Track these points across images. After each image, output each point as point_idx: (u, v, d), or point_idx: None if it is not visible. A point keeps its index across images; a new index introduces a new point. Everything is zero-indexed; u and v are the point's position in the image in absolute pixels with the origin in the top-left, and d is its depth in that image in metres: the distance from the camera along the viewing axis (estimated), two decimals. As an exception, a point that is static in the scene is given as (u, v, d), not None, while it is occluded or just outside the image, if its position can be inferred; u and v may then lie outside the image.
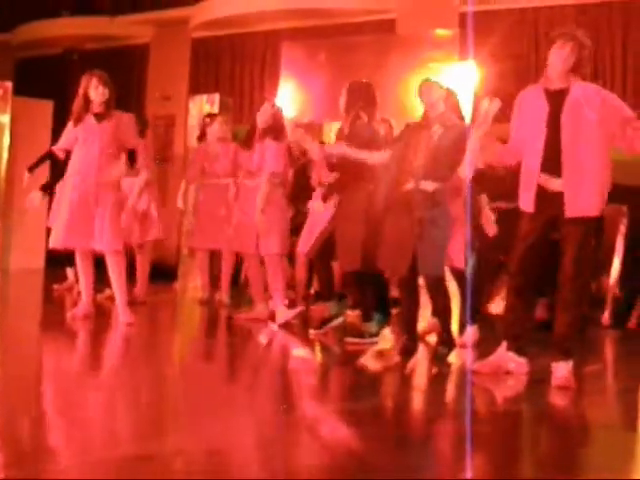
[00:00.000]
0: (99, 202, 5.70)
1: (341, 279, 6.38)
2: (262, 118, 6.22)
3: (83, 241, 5.70)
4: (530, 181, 4.39)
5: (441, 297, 5.05)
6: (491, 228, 5.51)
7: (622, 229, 8.82)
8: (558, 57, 4.28)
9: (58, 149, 6.00)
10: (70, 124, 5.86)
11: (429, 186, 4.96)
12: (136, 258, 7.16)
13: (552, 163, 4.30)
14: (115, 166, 5.82)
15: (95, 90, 5.73)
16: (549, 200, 4.34)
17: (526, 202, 4.43)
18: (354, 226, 5.49)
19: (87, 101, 5.76)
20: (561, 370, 4.31)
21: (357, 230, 5.48)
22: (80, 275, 5.90)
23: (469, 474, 2.76)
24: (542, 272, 4.52)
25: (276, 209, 6.15)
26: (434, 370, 4.95)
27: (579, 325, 4.38)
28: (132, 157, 6.00)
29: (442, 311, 5.11)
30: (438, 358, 4.96)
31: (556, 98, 4.30)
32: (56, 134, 9.99)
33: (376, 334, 5.49)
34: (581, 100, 4.24)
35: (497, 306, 7.02)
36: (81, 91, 5.77)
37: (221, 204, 7.29)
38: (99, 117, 5.77)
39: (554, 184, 4.32)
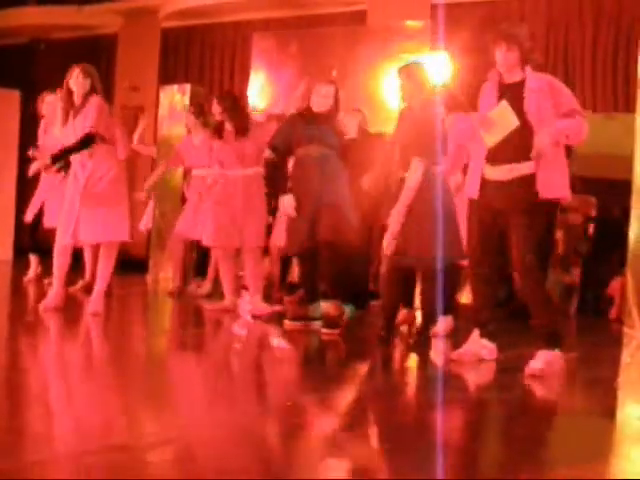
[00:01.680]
0: (98, 196, 5.68)
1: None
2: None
3: (89, 236, 5.75)
4: (476, 169, 4.54)
5: (432, 288, 5.06)
6: None
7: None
8: (502, 58, 4.46)
9: None
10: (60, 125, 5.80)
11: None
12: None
13: (500, 155, 4.43)
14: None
15: (75, 80, 5.68)
16: (496, 191, 4.46)
17: (471, 190, 4.57)
18: (300, 209, 5.52)
19: (70, 93, 5.71)
20: (540, 359, 4.34)
21: (303, 213, 5.50)
22: (56, 266, 5.82)
23: (441, 469, 2.76)
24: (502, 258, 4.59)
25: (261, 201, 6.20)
26: (411, 359, 4.96)
27: (552, 308, 4.43)
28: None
29: (429, 302, 5.12)
30: (414, 348, 4.97)
31: (512, 91, 4.45)
32: (23, 124, 9.95)
33: (319, 318, 5.52)
34: (536, 90, 4.40)
35: (467, 296, 7.07)
36: (65, 84, 5.73)
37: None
38: (77, 112, 5.70)
39: (497, 173, 4.44)
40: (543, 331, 4.39)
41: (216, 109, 6.24)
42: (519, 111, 4.39)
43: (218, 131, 6.27)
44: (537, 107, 4.38)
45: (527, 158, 4.37)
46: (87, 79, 5.70)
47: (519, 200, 4.38)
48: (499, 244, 4.54)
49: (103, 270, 5.83)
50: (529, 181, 4.37)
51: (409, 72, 5.19)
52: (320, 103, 5.63)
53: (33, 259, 7.70)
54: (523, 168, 4.40)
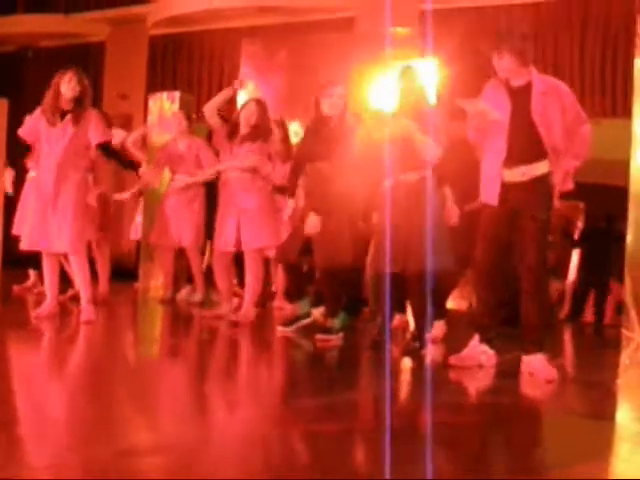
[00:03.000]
0: (59, 204, 5.61)
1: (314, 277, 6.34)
2: (247, 116, 6.16)
3: (46, 244, 5.65)
4: (494, 175, 4.52)
5: (420, 293, 5.01)
6: (453, 218, 5.39)
7: (579, 225, 8.98)
8: (497, 65, 4.49)
9: (23, 134, 5.89)
10: (37, 112, 5.75)
11: (410, 177, 4.99)
12: (95, 257, 7.05)
13: (514, 157, 4.45)
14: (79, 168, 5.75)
15: (67, 84, 5.62)
16: (509, 192, 4.47)
17: (490, 195, 4.54)
18: (331, 224, 5.46)
19: (57, 95, 5.65)
20: (536, 363, 4.35)
21: (334, 228, 5.46)
22: (45, 274, 5.80)
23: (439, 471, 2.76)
24: (507, 265, 4.60)
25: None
26: (407, 365, 4.97)
27: (548, 315, 4.45)
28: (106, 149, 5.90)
29: (419, 307, 5.10)
30: (410, 353, 4.98)
31: (520, 94, 4.45)
32: (12, 132, 9.89)
33: (307, 315, 5.62)
34: (542, 93, 4.43)
35: (456, 301, 7.09)
36: (53, 84, 5.66)
37: (187, 201, 7.25)
38: (66, 118, 5.65)
39: (516, 175, 4.47)
40: (534, 335, 4.41)
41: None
42: (527, 114, 4.41)
43: (232, 132, 6.22)
44: (544, 110, 4.40)
45: (537, 159, 4.42)
46: (79, 85, 5.65)
47: (535, 201, 4.41)
48: (506, 250, 4.56)
49: (79, 279, 5.78)
50: (542, 181, 4.43)
51: (410, 74, 5.18)
52: (334, 105, 5.41)
53: (32, 273, 7.59)
54: (535, 169, 4.45)
